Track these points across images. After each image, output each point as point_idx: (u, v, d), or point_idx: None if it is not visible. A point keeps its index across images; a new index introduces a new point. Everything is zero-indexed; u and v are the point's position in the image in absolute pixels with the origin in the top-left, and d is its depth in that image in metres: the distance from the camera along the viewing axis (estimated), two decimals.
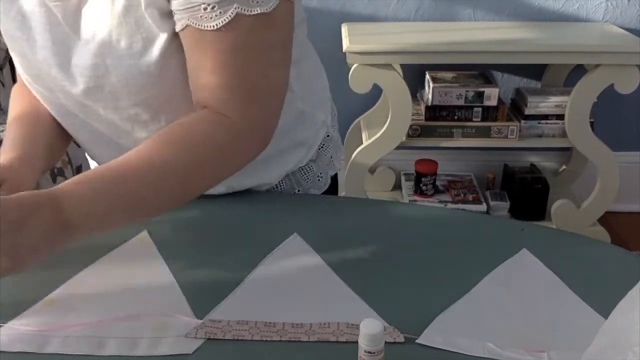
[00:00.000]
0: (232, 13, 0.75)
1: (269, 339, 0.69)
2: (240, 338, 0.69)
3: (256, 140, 0.83)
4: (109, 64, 0.80)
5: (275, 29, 0.79)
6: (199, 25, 0.76)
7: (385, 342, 0.64)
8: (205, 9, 0.75)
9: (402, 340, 0.68)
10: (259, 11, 0.76)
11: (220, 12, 0.75)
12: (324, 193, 1.10)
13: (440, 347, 0.68)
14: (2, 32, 0.88)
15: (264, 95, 0.81)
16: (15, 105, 0.96)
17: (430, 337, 0.69)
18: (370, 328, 0.62)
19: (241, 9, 0.75)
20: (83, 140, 0.96)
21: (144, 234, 0.88)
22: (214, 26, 0.76)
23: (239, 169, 0.84)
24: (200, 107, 0.82)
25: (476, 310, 0.74)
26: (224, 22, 0.75)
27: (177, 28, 0.78)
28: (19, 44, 0.86)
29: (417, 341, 0.68)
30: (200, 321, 0.72)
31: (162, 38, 0.79)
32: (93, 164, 1.05)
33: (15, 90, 0.99)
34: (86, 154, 1.03)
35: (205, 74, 0.79)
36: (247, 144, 0.82)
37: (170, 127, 0.79)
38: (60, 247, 0.69)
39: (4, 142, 0.89)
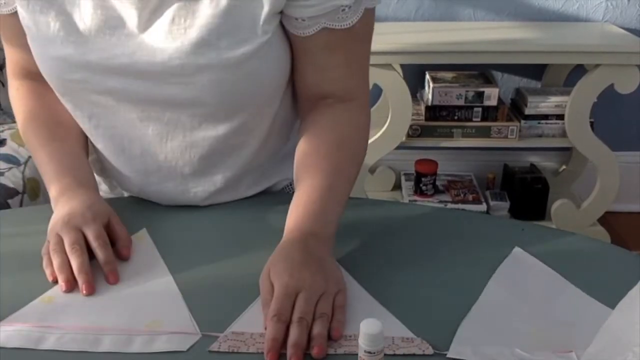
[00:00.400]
0: (362, 9, 0.83)
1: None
2: (263, 351, 0.67)
3: (369, 108, 0.94)
4: (203, 64, 0.80)
5: (374, 17, 0.89)
6: (335, 25, 0.83)
7: (414, 355, 0.64)
8: (343, 10, 0.82)
9: (431, 352, 0.67)
10: (375, 4, 0.85)
11: (354, 11, 0.82)
12: None
13: (470, 359, 0.66)
14: (33, 34, 0.85)
15: (367, 70, 0.92)
16: (38, 118, 0.94)
17: (459, 350, 0.67)
18: (370, 328, 0.61)
19: (368, 3, 0.84)
20: (111, 151, 0.93)
21: (143, 232, 0.88)
22: (348, 24, 0.83)
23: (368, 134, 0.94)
24: (315, 97, 0.89)
25: (492, 316, 0.73)
26: (357, 19, 0.83)
27: (309, 32, 0.83)
28: (60, 46, 0.82)
29: (448, 355, 0.67)
30: (220, 334, 0.70)
31: (264, 39, 0.81)
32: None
33: (20, 97, 0.96)
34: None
35: (334, 68, 0.87)
36: (366, 113, 0.93)
37: (323, 140, 0.87)
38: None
39: (44, 162, 0.90)
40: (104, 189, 1.06)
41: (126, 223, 0.86)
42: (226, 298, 0.76)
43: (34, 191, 1.58)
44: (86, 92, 0.86)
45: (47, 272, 0.78)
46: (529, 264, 0.82)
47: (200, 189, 0.93)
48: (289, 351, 0.65)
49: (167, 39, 0.80)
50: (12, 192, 1.54)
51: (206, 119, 0.87)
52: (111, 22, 0.81)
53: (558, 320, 0.72)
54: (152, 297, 0.76)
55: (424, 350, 0.67)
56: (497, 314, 0.73)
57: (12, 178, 1.56)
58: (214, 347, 0.69)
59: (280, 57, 0.86)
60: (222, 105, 0.85)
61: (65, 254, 0.78)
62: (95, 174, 1.03)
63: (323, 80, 0.88)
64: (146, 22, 0.81)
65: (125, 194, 1.02)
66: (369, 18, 0.85)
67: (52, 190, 0.88)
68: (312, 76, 0.88)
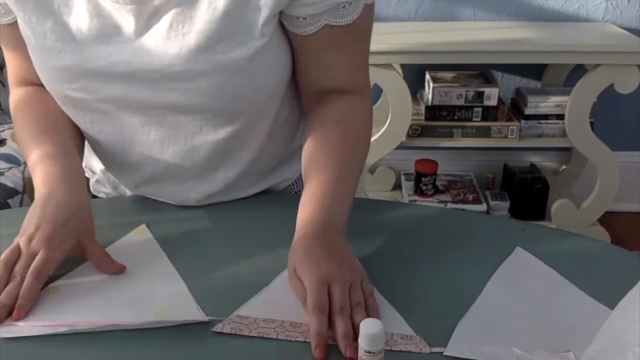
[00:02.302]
0: (362, 5, 0.83)
1: (293, 339, 0.69)
2: (265, 336, 0.70)
3: (371, 101, 0.95)
4: (202, 70, 0.79)
5: (374, 11, 0.89)
6: (337, 22, 0.83)
7: (411, 352, 0.65)
8: (344, 6, 0.82)
9: (429, 351, 0.67)
10: (373, 0, 0.86)
11: (354, 7, 0.83)
12: None
13: (468, 357, 0.67)
14: (32, 44, 0.84)
15: (367, 63, 0.93)
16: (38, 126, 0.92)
17: (457, 348, 0.68)
18: (370, 328, 0.62)
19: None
20: (114, 154, 0.93)
21: (143, 227, 0.89)
22: (349, 20, 0.83)
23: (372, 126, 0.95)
24: (320, 94, 0.90)
25: (491, 315, 0.73)
26: (358, 15, 0.83)
27: (311, 30, 0.83)
28: (58, 56, 0.82)
29: (445, 353, 0.67)
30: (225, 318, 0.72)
31: (262, 43, 0.81)
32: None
33: (19, 101, 0.95)
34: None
35: (337, 64, 0.88)
36: (369, 106, 0.94)
37: (330, 134, 0.87)
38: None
39: (32, 152, 0.87)
40: (106, 191, 1.06)
41: (127, 222, 0.86)
42: (227, 293, 0.76)
43: (34, 191, 1.58)
44: (87, 100, 0.85)
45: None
46: (529, 263, 0.82)
47: (201, 190, 0.94)
48: (342, 343, 0.67)
49: (165, 44, 0.79)
50: (12, 192, 1.54)
51: (207, 123, 0.86)
52: (107, 30, 0.81)
53: (557, 320, 0.72)
54: (157, 288, 0.77)
55: (421, 349, 0.68)
56: (496, 313, 0.74)
57: (12, 178, 1.56)
58: (218, 327, 0.70)
59: (280, 58, 0.86)
60: (223, 109, 0.85)
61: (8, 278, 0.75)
62: (100, 173, 1.03)
63: (326, 76, 0.89)
64: (143, 28, 0.80)
65: (128, 193, 1.02)
66: (369, 13, 0.86)
67: (36, 178, 0.85)
68: (315, 73, 0.89)
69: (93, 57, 0.81)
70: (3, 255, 0.77)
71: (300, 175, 1.04)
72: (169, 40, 0.79)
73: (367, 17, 0.86)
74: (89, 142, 0.95)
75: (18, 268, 0.76)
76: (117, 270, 0.79)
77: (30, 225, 0.79)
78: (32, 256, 0.76)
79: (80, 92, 0.84)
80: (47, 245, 0.77)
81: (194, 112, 0.85)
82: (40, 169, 0.85)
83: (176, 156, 0.90)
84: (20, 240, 0.79)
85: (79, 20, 0.81)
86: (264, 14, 0.79)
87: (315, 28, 0.83)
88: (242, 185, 0.96)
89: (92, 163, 1.04)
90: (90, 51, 0.81)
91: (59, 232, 0.79)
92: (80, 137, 0.94)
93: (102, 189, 1.06)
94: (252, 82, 0.83)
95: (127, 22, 0.80)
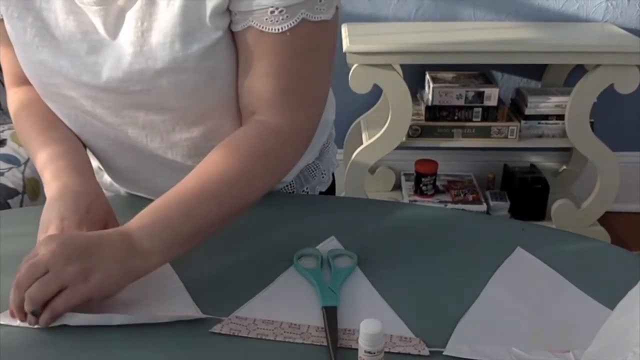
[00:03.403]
0: (298, 18, 0.77)
1: (291, 341, 0.69)
2: (263, 337, 0.69)
3: (301, 145, 0.85)
4: (160, 67, 0.79)
5: (329, 35, 0.82)
6: (263, 27, 0.77)
7: (409, 354, 0.65)
8: (272, 12, 0.76)
9: (427, 353, 0.67)
10: (321, 18, 0.78)
11: (287, 16, 0.76)
12: (325, 190, 1.11)
13: (467, 356, 0.67)
14: (13, 39, 0.85)
15: (311, 100, 0.84)
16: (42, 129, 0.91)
17: (456, 347, 0.68)
18: (370, 328, 0.61)
19: (307, 14, 0.77)
20: (101, 147, 0.93)
21: None
22: (278, 29, 0.77)
23: (286, 174, 0.86)
24: (247, 112, 0.83)
25: (491, 315, 0.73)
26: (290, 27, 0.77)
27: (237, 28, 0.79)
28: (36, 51, 0.83)
29: (444, 353, 0.67)
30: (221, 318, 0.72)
31: (216, 37, 0.78)
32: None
33: (16, 99, 0.95)
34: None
35: (259, 77, 0.80)
36: (293, 150, 0.84)
37: (224, 145, 0.80)
38: (137, 273, 0.73)
39: (38, 149, 0.87)
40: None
41: (122, 221, 0.86)
42: (224, 294, 0.76)
43: (34, 191, 1.58)
44: (64, 96, 0.86)
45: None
46: (530, 264, 0.82)
47: None
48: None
49: (130, 46, 0.79)
50: (12, 192, 1.54)
51: (178, 122, 0.86)
52: (83, 27, 0.81)
53: (557, 320, 0.72)
54: (154, 287, 0.77)
55: (419, 351, 0.67)
56: (496, 313, 0.74)
57: (12, 178, 1.56)
58: (217, 328, 0.70)
59: (234, 56, 0.83)
60: (188, 108, 0.84)
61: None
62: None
63: (246, 88, 0.82)
64: (114, 29, 0.80)
65: (122, 191, 1.02)
66: (313, 32, 0.78)
67: (46, 174, 0.85)
68: (241, 82, 0.83)
69: (67, 54, 0.82)
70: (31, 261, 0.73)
71: (296, 176, 1.04)
72: (132, 41, 0.79)
73: (311, 35, 0.78)
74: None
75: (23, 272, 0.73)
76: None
77: (53, 219, 0.78)
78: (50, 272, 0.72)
79: (57, 87, 0.85)
80: (78, 251, 0.73)
81: (161, 111, 0.84)
82: (50, 167, 0.85)
83: (158, 150, 0.90)
84: (41, 236, 0.77)
85: (58, 16, 0.81)
86: (209, 5, 0.77)
87: (241, 27, 0.79)
88: None
89: None
90: (66, 48, 0.82)
91: (85, 218, 0.78)
92: None
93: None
94: (210, 78, 0.81)
95: (96, 22, 0.81)
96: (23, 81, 0.93)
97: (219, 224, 0.79)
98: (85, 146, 0.95)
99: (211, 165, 0.79)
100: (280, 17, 0.77)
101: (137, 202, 0.96)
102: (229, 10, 0.79)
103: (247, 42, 0.80)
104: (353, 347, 0.67)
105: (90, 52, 0.81)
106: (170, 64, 0.78)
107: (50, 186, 0.83)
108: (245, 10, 0.78)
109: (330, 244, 0.85)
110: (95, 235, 0.73)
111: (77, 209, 0.79)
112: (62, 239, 0.71)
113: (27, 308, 0.69)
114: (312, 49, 0.80)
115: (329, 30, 0.81)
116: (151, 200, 0.94)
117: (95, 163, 1.01)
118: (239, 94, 0.84)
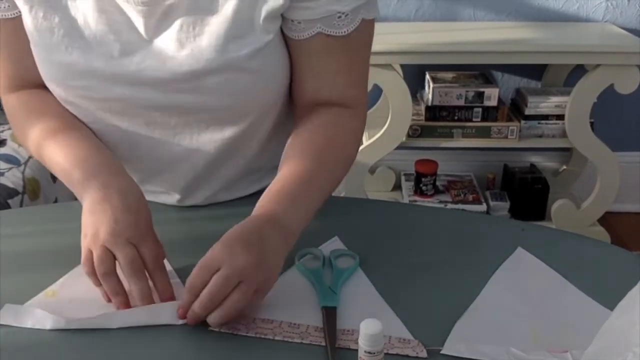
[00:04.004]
0: (359, 19, 0.83)
1: (290, 340, 0.69)
2: (262, 336, 0.70)
3: (365, 118, 0.95)
4: (209, 68, 0.79)
5: (373, 28, 0.89)
6: (331, 32, 0.83)
7: (408, 356, 0.65)
8: (339, 17, 0.82)
9: (425, 355, 0.67)
10: (373, 16, 0.85)
11: (350, 19, 0.83)
12: None
13: (465, 356, 0.67)
14: (35, 40, 0.82)
15: (366, 82, 0.93)
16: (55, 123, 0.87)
17: (454, 346, 0.68)
18: (370, 328, 0.61)
19: (365, 14, 0.84)
20: (119, 153, 0.90)
21: None
22: (345, 32, 0.83)
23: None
24: (315, 104, 0.88)
25: (490, 315, 0.73)
26: (354, 28, 0.83)
27: (303, 36, 0.83)
28: (65, 52, 0.80)
29: (442, 351, 0.67)
30: None
31: (266, 40, 0.81)
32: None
33: (22, 102, 0.91)
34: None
35: (330, 74, 0.87)
36: (364, 124, 0.94)
37: (323, 126, 0.87)
38: (284, 258, 0.75)
39: (60, 150, 0.83)
40: None
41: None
42: None
43: (34, 191, 1.58)
44: (90, 98, 0.84)
45: (100, 291, 0.75)
46: (530, 264, 0.82)
47: (203, 189, 0.94)
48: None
49: (176, 47, 0.79)
50: (12, 192, 1.54)
51: (214, 122, 0.86)
52: (116, 27, 0.80)
53: (556, 320, 0.72)
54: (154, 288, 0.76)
55: (418, 353, 0.67)
56: (494, 312, 0.74)
57: (12, 178, 1.56)
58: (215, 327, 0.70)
59: (283, 58, 0.86)
60: (229, 108, 0.85)
61: (117, 276, 0.73)
62: None
63: (319, 86, 0.88)
64: (154, 30, 0.80)
65: None
66: (367, 29, 0.85)
67: (77, 173, 0.80)
68: (309, 82, 0.88)
69: (100, 55, 0.80)
70: (86, 257, 0.74)
71: None
72: (179, 42, 0.79)
73: (366, 32, 0.85)
74: None
75: (129, 261, 0.73)
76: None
77: (103, 221, 0.74)
78: (132, 247, 0.73)
79: (83, 90, 0.83)
80: (140, 234, 0.75)
81: (201, 111, 0.84)
82: (82, 165, 0.81)
83: (180, 155, 0.89)
84: (98, 242, 0.74)
85: (88, 15, 0.80)
86: (265, 9, 0.79)
87: (309, 34, 0.83)
88: (243, 183, 0.97)
89: None
90: (98, 48, 0.80)
91: (136, 219, 0.76)
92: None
93: None
94: (257, 79, 0.83)
95: (136, 22, 0.80)
96: (24, 83, 0.90)
97: (329, 194, 0.86)
98: None
99: (321, 144, 0.85)
100: (346, 21, 0.82)
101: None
102: (280, 17, 0.82)
103: (314, 46, 0.84)
104: (352, 347, 0.67)
105: (124, 52, 0.80)
106: (219, 65, 0.79)
107: (86, 185, 0.79)
108: (312, 19, 0.82)
109: (333, 244, 0.86)
110: (248, 230, 0.73)
111: (128, 209, 0.76)
112: (223, 239, 0.72)
113: (202, 309, 0.68)
114: (367, 42, 0.89)
115: (374, 24, 0.88)
116: (155, 204, 0.95)
117: None
118: (300, 92, 0.89)
